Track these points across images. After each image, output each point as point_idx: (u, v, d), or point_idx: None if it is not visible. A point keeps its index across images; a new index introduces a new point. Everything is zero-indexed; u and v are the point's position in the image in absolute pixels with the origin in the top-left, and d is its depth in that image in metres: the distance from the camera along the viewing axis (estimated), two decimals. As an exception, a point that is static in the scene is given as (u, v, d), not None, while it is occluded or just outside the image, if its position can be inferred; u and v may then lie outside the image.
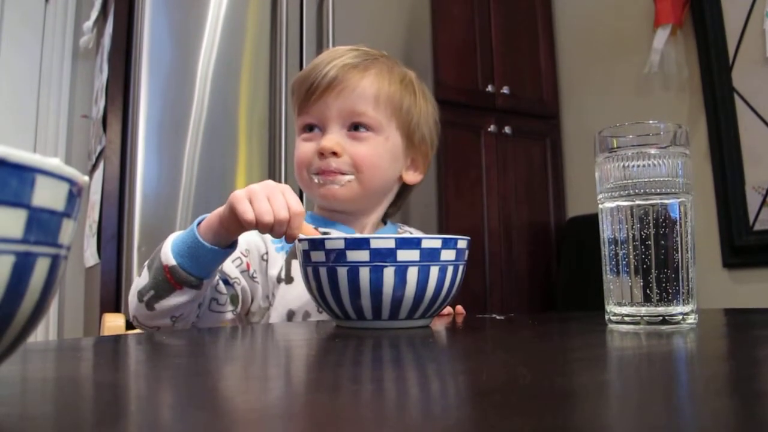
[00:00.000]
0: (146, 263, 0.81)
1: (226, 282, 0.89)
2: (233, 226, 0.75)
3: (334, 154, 0.93)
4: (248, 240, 0.92)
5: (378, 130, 0.96)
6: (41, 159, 0.24)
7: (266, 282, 0.92)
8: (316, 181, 0.95)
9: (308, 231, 0.77)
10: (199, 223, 0.79)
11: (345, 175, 0.94)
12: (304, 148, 0.97)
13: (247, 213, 0.72)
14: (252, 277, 0.91)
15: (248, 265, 0.91)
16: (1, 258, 0.23)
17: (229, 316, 0.89)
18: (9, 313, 0.24)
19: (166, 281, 0.77)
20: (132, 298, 0.80)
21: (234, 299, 0.89)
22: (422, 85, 1.04)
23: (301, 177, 0.99)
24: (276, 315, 0.90)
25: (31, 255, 0.24)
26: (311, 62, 0.99)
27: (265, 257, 0.93)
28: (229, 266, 0.89)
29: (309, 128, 0.98)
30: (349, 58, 0.96)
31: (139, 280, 0.80)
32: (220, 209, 0.77)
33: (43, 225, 0.25)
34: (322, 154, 0.94)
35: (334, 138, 0.94)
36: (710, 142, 2.19)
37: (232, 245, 0.79)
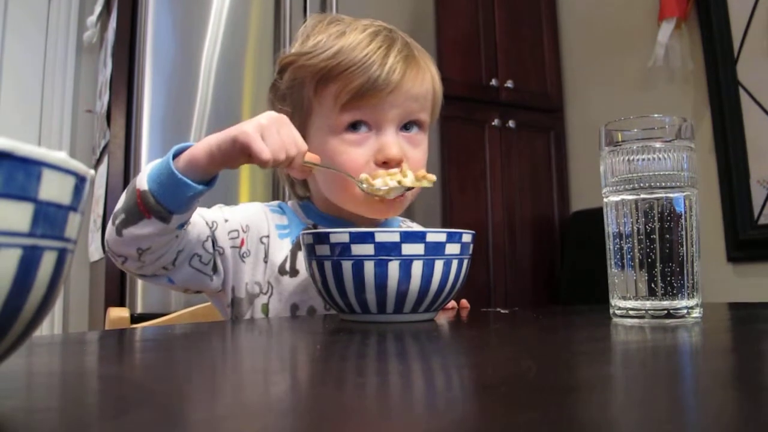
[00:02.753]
0: (127, 186, 0.77)
1: (214, 245, 0.84)
2: (234, 161, 0.71)
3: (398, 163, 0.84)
4: (250, 217, 0.87)
5: (426, 128, 0.90)
6: (48, 152, 0.24)
7: (260, 266, 0.87)
8: (376, 198, 0.83)
9: (312, 158, 0.75)
10: (178, 153, 0.73)
11: (407, 195, 0.85)
12: (357, 154, 0.84)
13: (264, 152, 0.69)
14: (241, 256, 0.86)
15: (242, 242, 0.86)
16: (8, 251, 0.23)
17: (207, 282, 0.84)
18: (16, 307, 0.24)
19: (136, 206, 0.72)
20: (109, 222, 0.77)
21: (215, 265, 0.85)
22: None
23: (347, 188, 0.85)
24: (280, 308, 0.86)
25: (37, 249, 0.24)
26: (341, 44, 0.84)
27: (264, 240, 0.87)
28: (222, 233, 0.85)
29: (353, 125, 0.85)
30: (399, 49, 0.85)
31: (118, 203, 0.76)
32: (211, 142, 0.71)
33: (49, 218, 0.25)
34: (385, 163, 0.83)
35: (398, 142, 0.84)
36: (715, 135, 2.18)
37: (210, 182, 0.73)
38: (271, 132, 0.70)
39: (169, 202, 0.72)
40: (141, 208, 0.72)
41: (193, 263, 0.82)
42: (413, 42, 0.91)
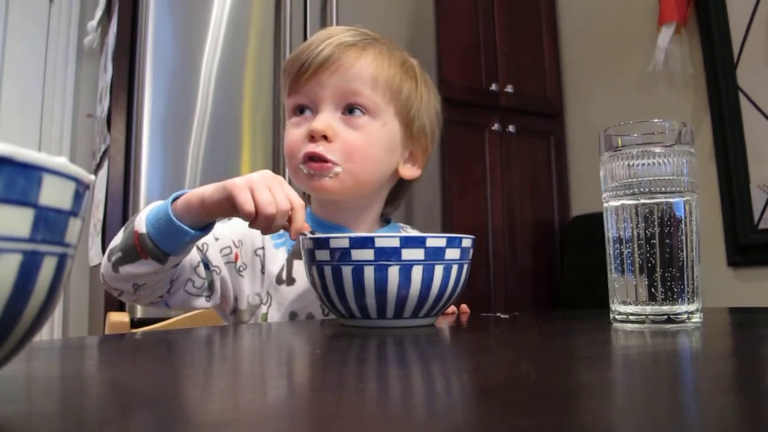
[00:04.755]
0: (125, 224, 0.78)
1: (207, 267, 0.85)
2: (222, 211, 0.72)
3: (325, 138, 0.85)
4: (243, 231, 0.87)
5: (375, 114, 0.88)
6: (48, 158, 0.24)
7: (257, 278, 0.88)
8: (305, 171, 0.86)
9: (306, 227, 0.73)
10: (177, 198, 0.74)
11: (335, 166, 0.85)
12: (294, 133, 0.88)
13: (248, 204, 0.68)
14: (238, 270, 0.87)
15: (237, 257, 0.87)
16: (9, 257, 0.23)
17: (202, 302, 0.85)
18: (16, 312, 0.24)
19: (134, 247, 0.74)
20: (105, 255, 0.78)
21: (211, 285, 0.85)
22: (424, 73, 0.96)
23: (291, 166, 0.89)
24: (279, 317, 0.87)
25: (38, 254, 0.24)
26: (305, 42, 0.92)
27: (259, 252, 0.88)
28: (214, 253, 0.86)
29: (300, 110, 0.90)
30: (346, 36, 0.88)
31: (115, 239, 0.77)
32: (205, 190, 0.72)
33: (50, 224, 0.25)
34: (312, 137, 0.85)
35: (326, 119, 0.86)
36: (715, 140, 2.18)
37: (206, 228, 0.75)
38: (260, 187, 0.70)
39: (165, 246, 0.74)
40: (138, 249, 0.74)
41: (187, 288, 0.84)
42: (385, 40, 0.93)
